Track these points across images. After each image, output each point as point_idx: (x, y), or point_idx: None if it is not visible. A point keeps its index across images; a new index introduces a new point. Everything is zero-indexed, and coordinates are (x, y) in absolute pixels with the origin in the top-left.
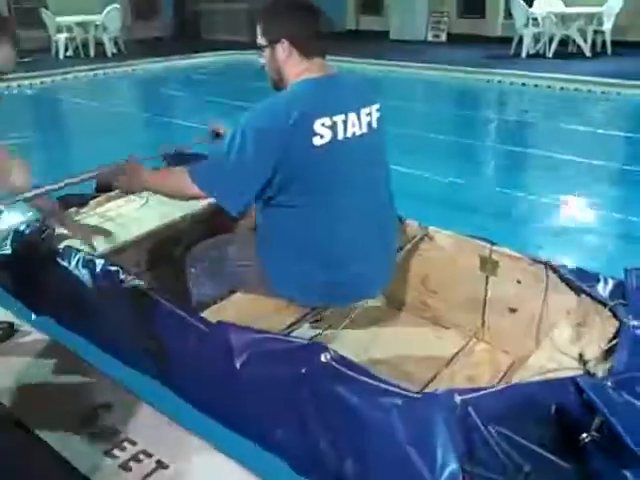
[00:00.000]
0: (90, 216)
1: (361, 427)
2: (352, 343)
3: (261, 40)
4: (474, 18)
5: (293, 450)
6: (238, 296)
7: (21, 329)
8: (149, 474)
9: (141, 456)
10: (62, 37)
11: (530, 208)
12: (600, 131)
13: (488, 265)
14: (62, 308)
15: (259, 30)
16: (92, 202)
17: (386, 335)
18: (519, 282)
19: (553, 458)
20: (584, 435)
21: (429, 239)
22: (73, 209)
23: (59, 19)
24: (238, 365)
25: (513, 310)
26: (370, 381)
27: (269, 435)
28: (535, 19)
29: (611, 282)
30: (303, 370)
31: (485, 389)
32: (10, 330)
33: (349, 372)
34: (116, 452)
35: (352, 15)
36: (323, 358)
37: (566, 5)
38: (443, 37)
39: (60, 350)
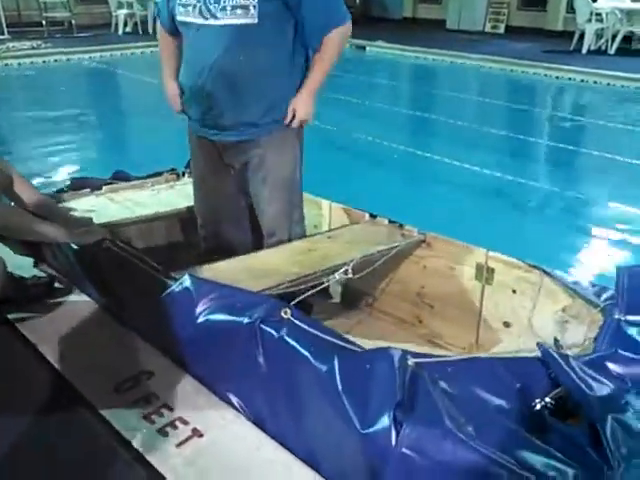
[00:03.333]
0: (98, 197)
1: (310, 377)
2: None
3: None
4: (535, 10)
5: (250, 399)
6: (225, 262)
7: (63, 287)
8: (184, 441)
9: (178, 423)
10: (122, 13)
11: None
12: None
13: (484, 273)
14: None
15: None
16: (105, 187)
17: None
18: (514, 292)
19: (501, 419)
20: (537, 401)
21: (427, 245)
22: (86, 190)
23: None
24: (199, 316)
25: (507, 324)
26: (327, 337)
27: (229, 381)
28: (599, 14)
29: (608, 290)
30: (261, 322)
31: (445, 357)
32: (51, 284)
33: (305, 326)
34: (154, 417)
35: (410, 3)
36: (284, 314)
37: (632, 1)
38: (501, 29)
39: (102, 314)
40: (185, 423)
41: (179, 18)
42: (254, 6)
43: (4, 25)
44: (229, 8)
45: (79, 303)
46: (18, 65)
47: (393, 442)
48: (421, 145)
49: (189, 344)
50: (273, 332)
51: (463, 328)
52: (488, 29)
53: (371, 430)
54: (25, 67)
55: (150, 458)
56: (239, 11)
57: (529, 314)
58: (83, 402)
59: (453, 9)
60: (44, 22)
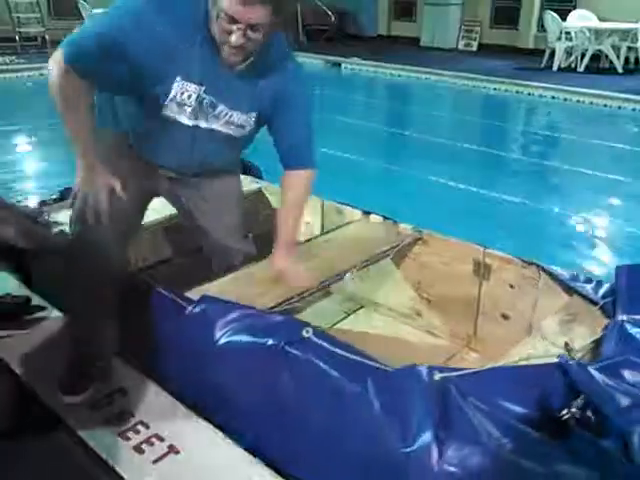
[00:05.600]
0: None
1: (340, 398)
2: None
3: (275, 19)
4: (506, 29)
5: (273, 426)
6: (230, 277)
7: (38, 305)
8: (160, 457)
9: (154, 440)
10: None
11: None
12: (624, 147)
13: (481, 269)
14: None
15: (271, 10)
16: None
17: (374, 341)
18: (512, 287)
19: (530, 431)
20: (565, 411)
21: (423, 243)
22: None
23: (95, 11)
24: (220, 339)
25: (506, 317)
26: (351, 355)
27: (250, 411)
28: (568, 33)
29: (604, 285)
30: (283, 344)
31: (467, 369)
32: (26, 305)
33: (330, 347)
34: (130, 434)
35: (384, 20)
36: (304, 333)
37: (600, 20)
38: (474, 46)
39: None
40: (161, 440)
41: (168, 114)
42: (250, 125)
43: None
44: (222, 121)
45: (54, 321)
46: None
47: (435, 460)
48: (394, 159)
49: (206, 370)
50: (299, 354)
51: (461, 321)
52: (461, 47)
53: (412, 449)
54: None
55: (126, 475)
56: (232, 127)
57: (528, 309)
58: (57, 420)
59: (427, 27)
60: (17, 37)
